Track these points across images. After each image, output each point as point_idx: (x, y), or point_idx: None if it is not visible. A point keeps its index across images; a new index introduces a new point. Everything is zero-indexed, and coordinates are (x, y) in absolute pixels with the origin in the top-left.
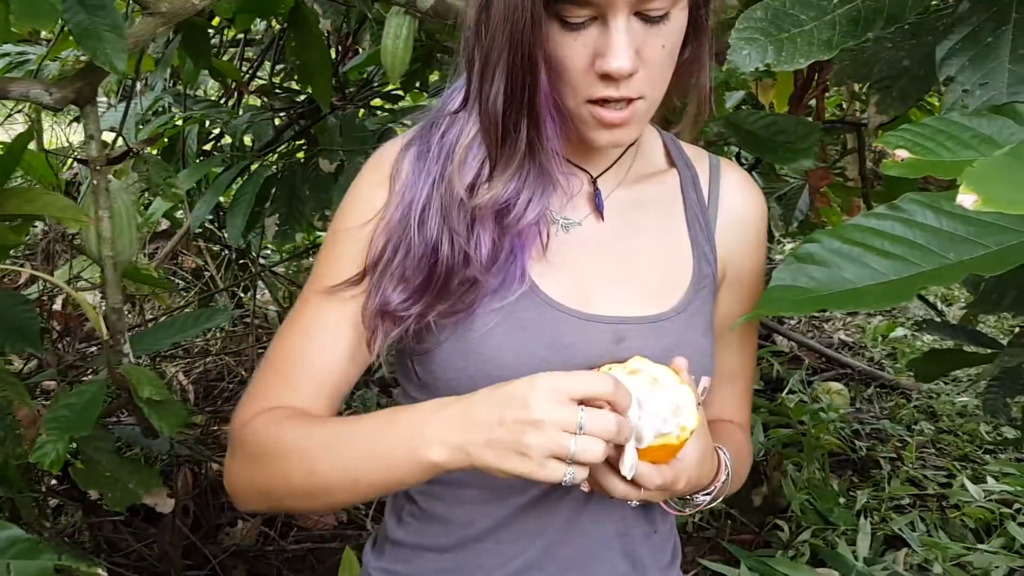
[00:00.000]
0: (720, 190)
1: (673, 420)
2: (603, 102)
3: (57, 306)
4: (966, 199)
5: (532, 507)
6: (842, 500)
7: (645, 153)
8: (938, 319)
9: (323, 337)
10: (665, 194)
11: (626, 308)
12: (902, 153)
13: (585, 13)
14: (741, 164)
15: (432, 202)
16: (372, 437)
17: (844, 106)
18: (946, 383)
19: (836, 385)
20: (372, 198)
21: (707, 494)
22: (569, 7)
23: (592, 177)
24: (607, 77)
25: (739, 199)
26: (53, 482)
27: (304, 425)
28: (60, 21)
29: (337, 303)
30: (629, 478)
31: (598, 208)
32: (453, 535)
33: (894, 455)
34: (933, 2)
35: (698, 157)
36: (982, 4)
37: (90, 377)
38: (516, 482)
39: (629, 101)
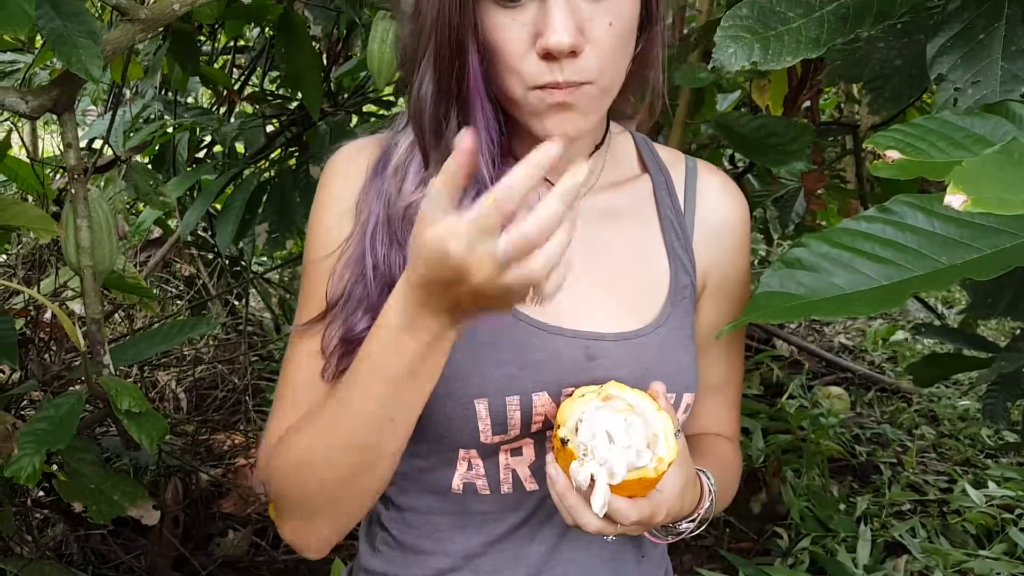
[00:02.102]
0: (697, 195)
1: (648, 452)
2: (549, 88)
3: (47, 315)
4: (955, 199)
5: (510, 535)
6: (842, 507)
7: (615, 158)
8: (938, 322)
9: (317, 381)
10: (637, 201)
11: (600, 323)
12: (893, 154)
13: None
14: (735, 166)
15: (380, 219)
16: (370, 372)
17: (842, 106)
18: (947, 386)
19: (836, 390)
20: (337, 226)
21: (691, 521)
22: None
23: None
24: (549, 56)
25: (718, 204)
26: (40, 494)
27: (307, 417)
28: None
29: (315, 342)
30: (601, 516)
31: None
32: (428, 565)
33: (895, 460)
34: None
35: (674, 160)
36: (974, 0)
37: (77, 388)
38: (492, 510)
39: (578, 86)
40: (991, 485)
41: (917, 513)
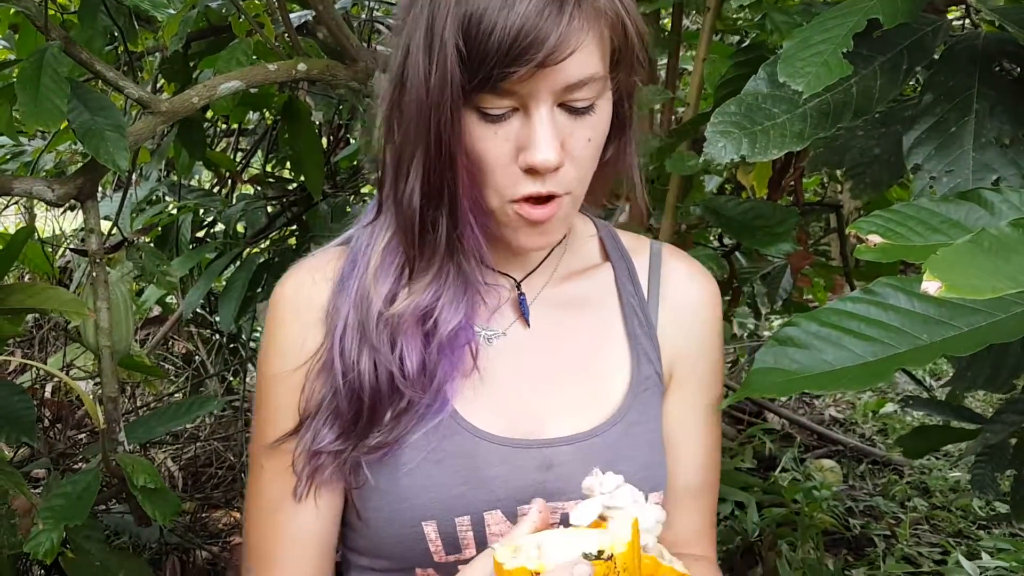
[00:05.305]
0: (662, 281)
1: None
2: (528, 200)
3: (48, 393)
4: (930, 286)
5: None
6: None
7: (575, 248)
8: (925, 395)
9: (285, 505)
10: (597, 290)
11: (555, 427)
12: (875, 238)
13: (506, 104)
14: (724, 245)
15: (350, 322)
16: None
17: (825, 184)
18: (938, 458)
19: (828, 462)
20: (304, 340)
21: None
22: (489, 98)
23: (516, 281)
24: (532, 171)
25: (685, 289)
26: (41, 572)
27: None
28: None
29: (284, 460)
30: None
31: (524, 315)
32: None
33: (888, 532)
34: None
35: (638, 247)
36: (945, 96)
37: (81, 465)
38: None
39: (554, 197)
40: (984, 556)
41: None
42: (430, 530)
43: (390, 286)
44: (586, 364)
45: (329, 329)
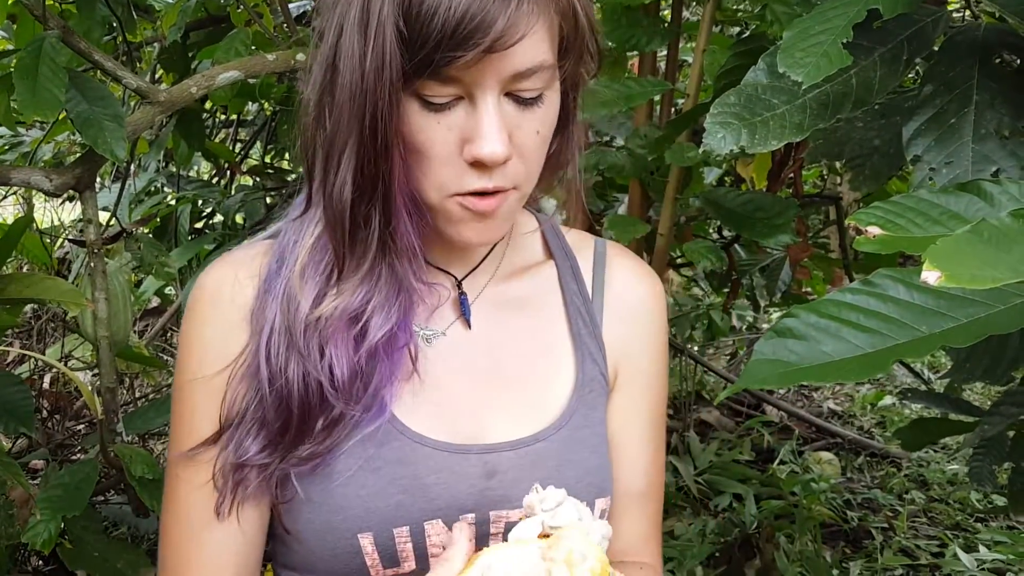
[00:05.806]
0: (606, 279)
1: None
2: (474, 195)
3: (46, 384)
4: (930, 276)
5: None
6: (835, 572)
7: (518, 245)
8: (924, 387)
9: (204, 522)
10: (541, 289)
11: (498, 431)
12: (874, 230)
13: (450, 92)
14: (723, 237)
15: (277, 326)
16: None
17: (824, 177)
18: (936, 451)
19: (827, 455)
20: (226, 341)
21: None
22: (431, 84)
23: (457, 280)
24: (478, 164)
25: (630, 288)
26: (39, 563)
27: None
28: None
29: (202, 471)
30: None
31: (464, 315)
32: None
33: (886, 525)
34: (899, 84)
35: (582, 244)
36: (945, 87)
37: (79, 456)
38: None
39: (504, 192)
40: (982, 549)
41: None
42: (366, 542)
43: (319, 287)
44: (529, 366)
45: (254, 331)
